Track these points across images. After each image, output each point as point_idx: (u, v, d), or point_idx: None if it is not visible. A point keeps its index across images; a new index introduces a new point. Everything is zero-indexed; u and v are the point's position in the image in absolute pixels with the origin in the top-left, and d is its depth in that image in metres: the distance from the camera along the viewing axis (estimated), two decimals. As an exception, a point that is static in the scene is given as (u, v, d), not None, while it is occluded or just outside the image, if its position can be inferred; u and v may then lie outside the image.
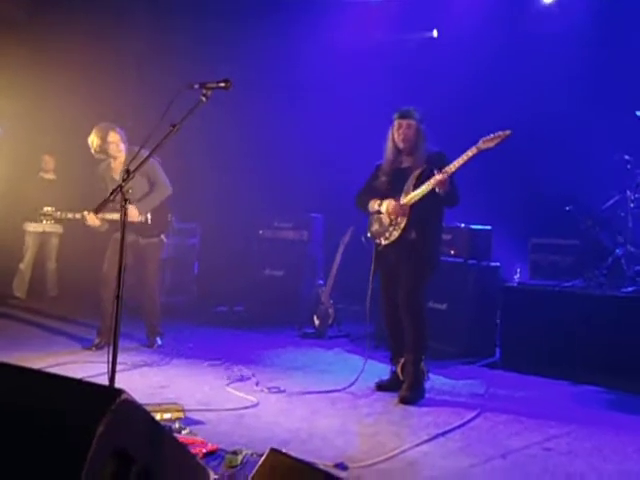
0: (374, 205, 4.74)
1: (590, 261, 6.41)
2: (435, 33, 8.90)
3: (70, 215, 5.48)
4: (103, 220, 5.46)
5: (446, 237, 6.06)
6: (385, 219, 4.70)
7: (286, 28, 8.53)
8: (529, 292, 6.11)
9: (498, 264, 6.49)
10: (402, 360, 4.72)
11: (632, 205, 6.16)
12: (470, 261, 6.24)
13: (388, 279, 4.79)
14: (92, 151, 5.66)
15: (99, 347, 5.65)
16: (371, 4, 8.82)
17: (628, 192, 6.16)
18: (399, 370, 4.74)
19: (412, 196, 4.56)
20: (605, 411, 4.59)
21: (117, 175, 5.69)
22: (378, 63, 8.59)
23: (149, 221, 5.72)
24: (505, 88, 7.79)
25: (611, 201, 6.37)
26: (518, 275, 6.50)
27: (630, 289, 5.75)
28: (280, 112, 8.58)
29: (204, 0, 8.59)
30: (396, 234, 4.64)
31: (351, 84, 8.60)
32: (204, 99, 3.42)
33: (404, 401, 4.47)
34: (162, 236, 5.87)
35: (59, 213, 5.50)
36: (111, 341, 3.12)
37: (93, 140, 5.63)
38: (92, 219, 5.42)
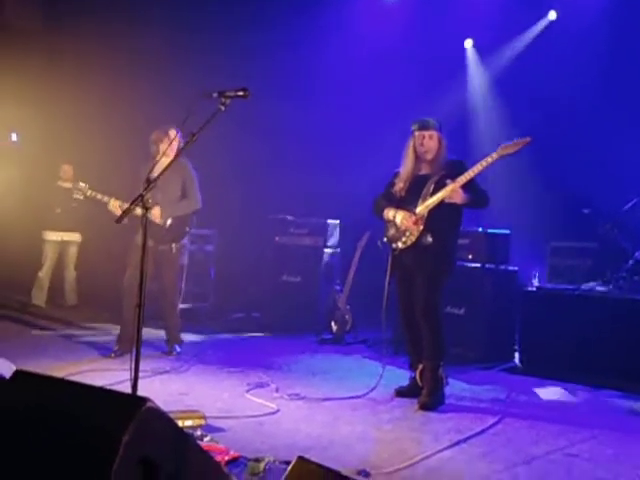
0: (388, 214, 4.74)
1: (609, 264, 6.37)
2: (469, 43, 8.85)
3: (98, 196, 5.72)
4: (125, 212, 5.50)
5: (464, 241, 6.03)
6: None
7: (306, 33, 8.54)
8: (548, 296, 6.08)
9: (516, 268, 6.46)
10: (421, 366, 4.71)
11: (651, 208, 6.11)
12: (488, 265, 6.21)
13: (405, 284, 4.78)
14: (150, 144, 5.83)
15: (118, 355, 5.67)
16: (389, 8, 8.83)
17: (647, 195, 6.12)
18: (418, 376, 4.72)
19: (429, 203, 4.57)
20: (627, 416, 4.56)
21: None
22: (397, 70, 8.56)
23: (167, 226, 5.76)
24: (523, 91, 7.78)
25: (630, 203, 6.33)
26: (536, 279, 6.46)
27: (650, 292, 5.70)
28: (296, 119, 8.59)
29: (221, 9, 8.62)
30: (413, 238, 4.63)
31: (369, 91, 8.60)
32: (222, 108, 3.43)
33: (424, 407, 4.46)
34: (173, 245, 5.84)
35: (90, 192, 5.77)
36: (133, 349, 3.14)
37: (155, 133, 5.79)
38: (114, 206, 5.61)
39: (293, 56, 8.54)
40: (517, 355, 6.15)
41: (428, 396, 4.52)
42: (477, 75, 8.58)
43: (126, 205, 5.47)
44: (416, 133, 4.68)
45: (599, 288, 6.03)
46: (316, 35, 8.59)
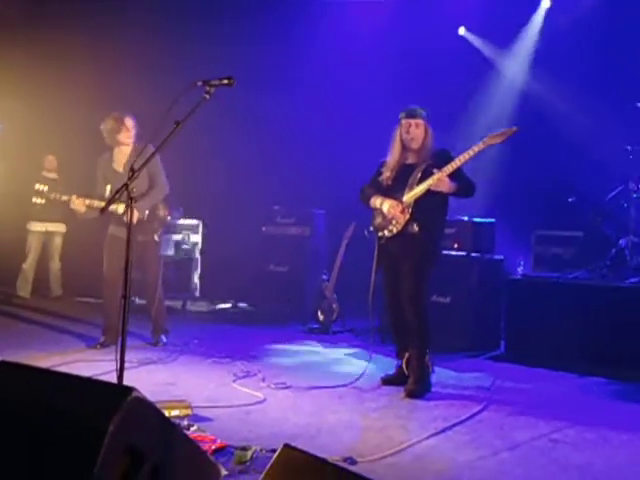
0: (375, 202, 4.75)
1: (593, 252, 6.42)
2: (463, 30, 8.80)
3: (58, 196, 5.58)
4: (90, 208, 5.46)
5: (449, 230, 6.03)
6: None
7: (291, 23, 8.49)
8: (533, 284, 6.12)
9: (502, 257, 6.50)
10: (407, 354, 4.72)
11: (635, 196, 6.17)
12: (473, 254, 6.24)
13: (391, 272, 4.79)
14: (104, 134, 5.68)
15: (104, 346, 5.64)
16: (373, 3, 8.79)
17: (631, 183, 6.16)
18: (404, 364, 4.74)
19: (415, 192, 4.58)
20: (611, 402, 4.60)
21: (119, 167, 5.69)
22: (383, 59, 8.53)
23: (145, 218, 5.69)
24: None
25: (614, 192, 6.37)
26: (522, 267, 6.50)
27: (634, 280, 5.75)
28: (283, 109, 8.55)
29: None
30: (399, 227, 4.64)
31: (355, 81, 8.57)
32: (207, 96, 3.41)
33: (410, 395, 4.48)
34: (155, 235, 5.79)
35: (53, 195, 5.63)
36: (119, 340, 3.12)
37: (107, 123, 5.63)
38: (77, 204, 5.48)
39: (280, 46, 8.48)
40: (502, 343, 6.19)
41: (414, 384, 4.54)
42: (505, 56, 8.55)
43: (89, 201, 5.45)
44: (403, 121, 4.68)
45: (584, 276, 6.08)
46: (306, 24, 8.55)
